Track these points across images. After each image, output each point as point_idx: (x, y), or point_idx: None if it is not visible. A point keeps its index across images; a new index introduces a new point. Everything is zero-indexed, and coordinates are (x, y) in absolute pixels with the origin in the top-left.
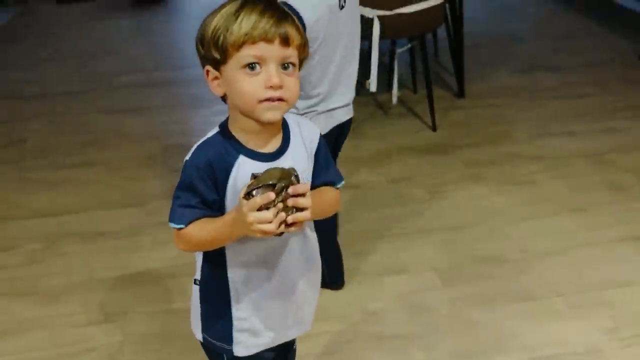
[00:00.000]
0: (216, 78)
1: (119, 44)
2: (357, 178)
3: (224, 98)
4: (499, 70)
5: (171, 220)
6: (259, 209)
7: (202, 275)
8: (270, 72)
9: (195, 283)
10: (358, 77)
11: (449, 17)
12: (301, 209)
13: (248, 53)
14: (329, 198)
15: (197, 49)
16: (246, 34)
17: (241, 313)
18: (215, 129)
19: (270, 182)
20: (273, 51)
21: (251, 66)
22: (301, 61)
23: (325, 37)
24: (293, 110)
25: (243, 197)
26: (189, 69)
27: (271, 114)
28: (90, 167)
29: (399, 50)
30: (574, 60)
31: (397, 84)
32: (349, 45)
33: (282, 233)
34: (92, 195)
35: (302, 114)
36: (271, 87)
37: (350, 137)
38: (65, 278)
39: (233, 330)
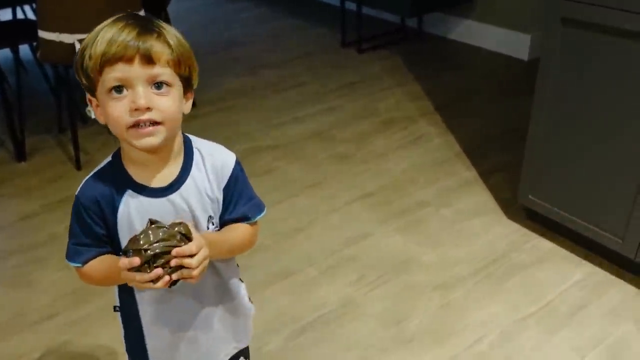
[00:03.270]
0: (98, 105)
1: None
2: None
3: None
4: (224, 75)
5: (67, 257)
6: (131, 270)
7: (119, 301)
8: (135, 94)
9: (115, 310)
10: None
11: None
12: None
13: (110, 76)
14: (238, 236)
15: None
16: (102, 56)
17: (154, 345)
18: (109, 158)
19: (144, 248)
20: (135, 72)
21: (117, 89)
22: (186, 78)
23: None
24: None
25: (121, 254)
26: None
27: (145, 141)
28: None
29: None
30: (288, 55)
31: None
32: None
33: (171, 285)
34: None
35: None
36: (136, 110)
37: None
38: None
39: None
